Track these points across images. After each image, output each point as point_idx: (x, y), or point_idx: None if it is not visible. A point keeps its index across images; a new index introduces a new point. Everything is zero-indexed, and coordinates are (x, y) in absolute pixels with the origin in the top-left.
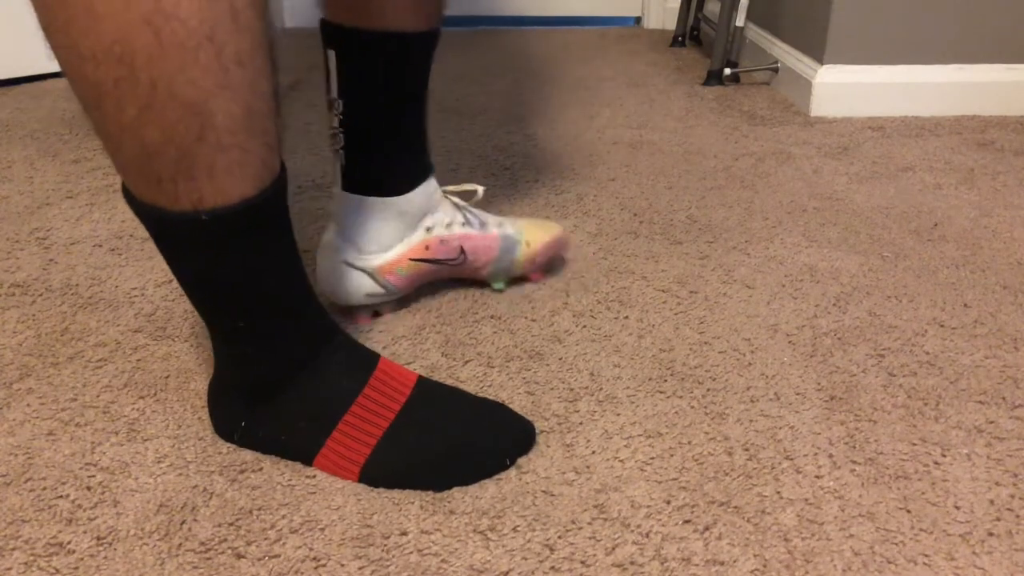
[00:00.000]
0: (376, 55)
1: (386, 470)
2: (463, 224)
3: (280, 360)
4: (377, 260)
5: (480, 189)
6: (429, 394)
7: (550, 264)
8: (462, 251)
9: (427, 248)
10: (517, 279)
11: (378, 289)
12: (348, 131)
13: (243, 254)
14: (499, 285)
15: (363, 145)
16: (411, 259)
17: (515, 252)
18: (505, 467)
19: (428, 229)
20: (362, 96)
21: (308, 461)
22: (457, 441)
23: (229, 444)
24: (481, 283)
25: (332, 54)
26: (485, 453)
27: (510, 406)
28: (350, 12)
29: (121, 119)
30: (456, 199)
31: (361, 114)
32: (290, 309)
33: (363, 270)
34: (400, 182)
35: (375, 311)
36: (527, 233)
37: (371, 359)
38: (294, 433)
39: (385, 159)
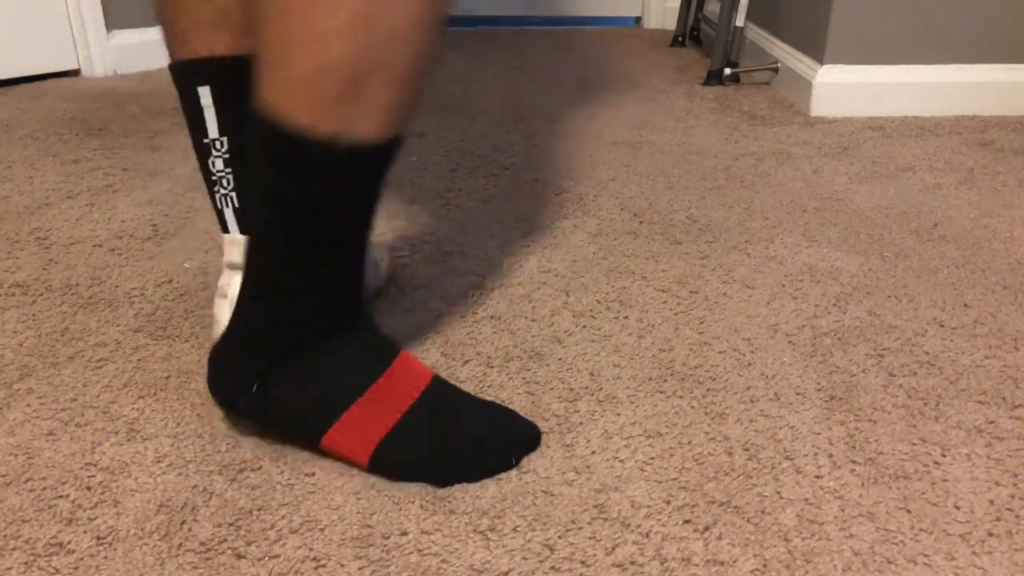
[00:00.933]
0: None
1: (397, 457)
2: None
3: (315, 323)
4: None
5: None
6: (442, 391)
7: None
8: None
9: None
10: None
11: None
12: (237, 170)
13: (353, 193)
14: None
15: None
16: None
17: (380, 268)
18: (511, 466)
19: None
20: (244, 127)
21: (316, 438)
22: (467, 438)
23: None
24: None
25: (205, 91)
26: (492, 452)
27: (510, 406)
28: (227, 39)
29: (325, 25)
30: None
31: (246, 148)
32: (349, 270)
33: None
34: None
35: None
36: (373, 251)
37: (393, 349)
38: (307, 404)
39: None
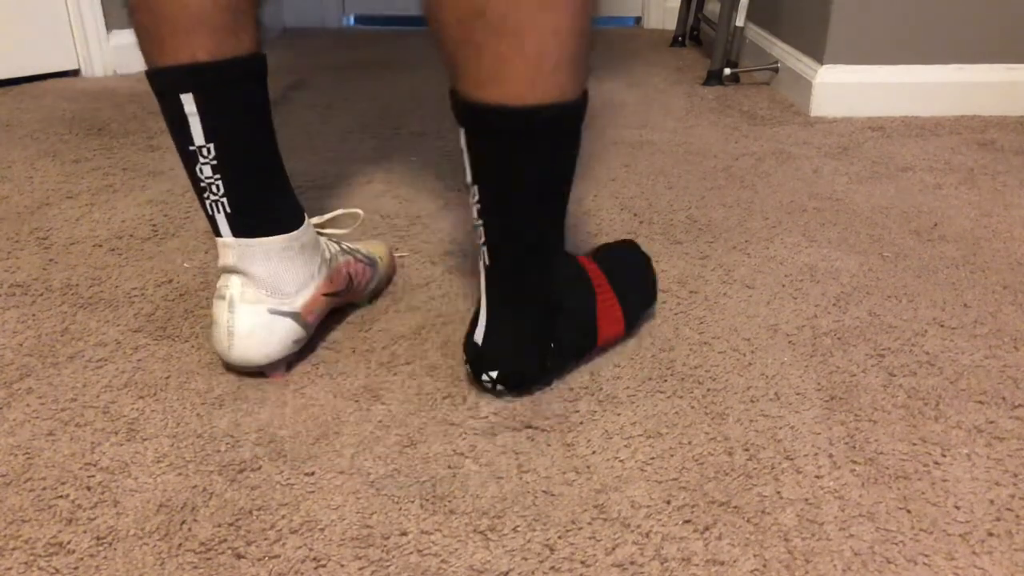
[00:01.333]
0: (241, 85)
1: (634, 312)
2: (342, 252)
3: (559, 268)
4: (300, 300)
5: (361, 212)
6: (605, 258)
7: (392, 277)
8: (349, 278)
9: (331, 281)
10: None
11: (302, 333)
12: (226, 176)
13: (576, 148)
14: (367, 303)
15: (249, 186)
16: (323, 294)
17: (378, 269)
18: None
19: (327, 260)
20: (233, 134)
21: (594, 342)
22: (640, 275)
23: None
24: (352, 305)
25: (188, 98)
26: (651, 282)
27: (509, 406)
28: (207, 45)
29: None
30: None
31: (236, 154)
32: (564, 217)
33: (289, 314)
34: (294, 214)
35: (288, 363)
36: (372, 249)
37: (573, 258)
38: (577, 334)
39: (277, 194)
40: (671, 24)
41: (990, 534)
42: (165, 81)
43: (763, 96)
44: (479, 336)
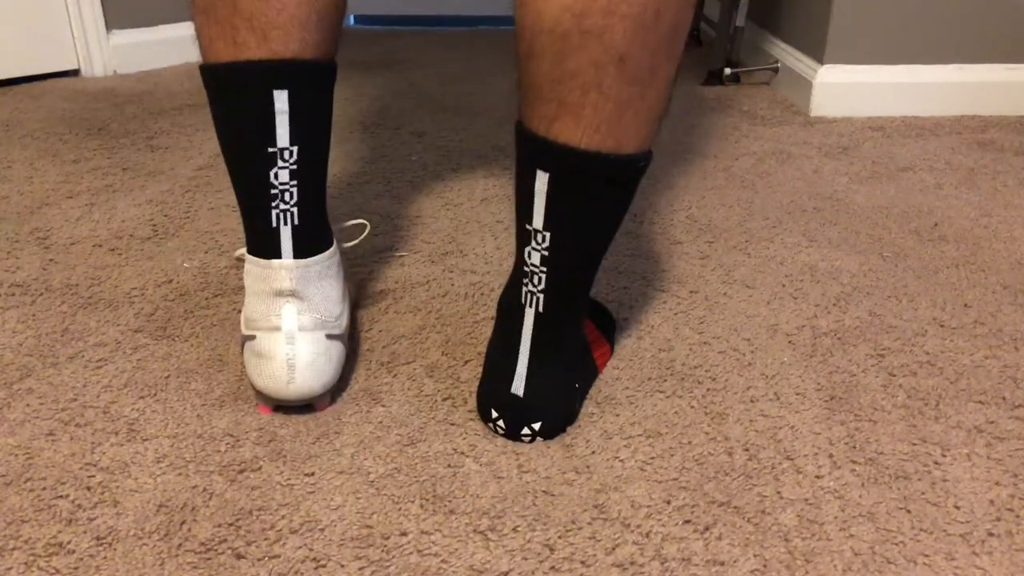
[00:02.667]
0: (328, 88)
1: (611, 337)
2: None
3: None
4: (344, 320)
5: (367, 224)
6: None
7: None
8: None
9: (349, 293)
10: None
11: (345, 355)
12: (302, 183)
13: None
14: None
15: (315, 196)
16: (349, 311)
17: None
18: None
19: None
20: (313, 138)
21: (595, 374)
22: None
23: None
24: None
25: (283, 95)
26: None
27: None
28: (316, 41)
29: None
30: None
31: (312, 160)
32: None
33: (339, 337)
34: (329, 227)
35: (332, 393)
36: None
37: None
38: (587, 366)
39: (323, 205)
40: None
41: (990, 534)
42: (257, 74)
43: (763, 96)
44: (519, 388)
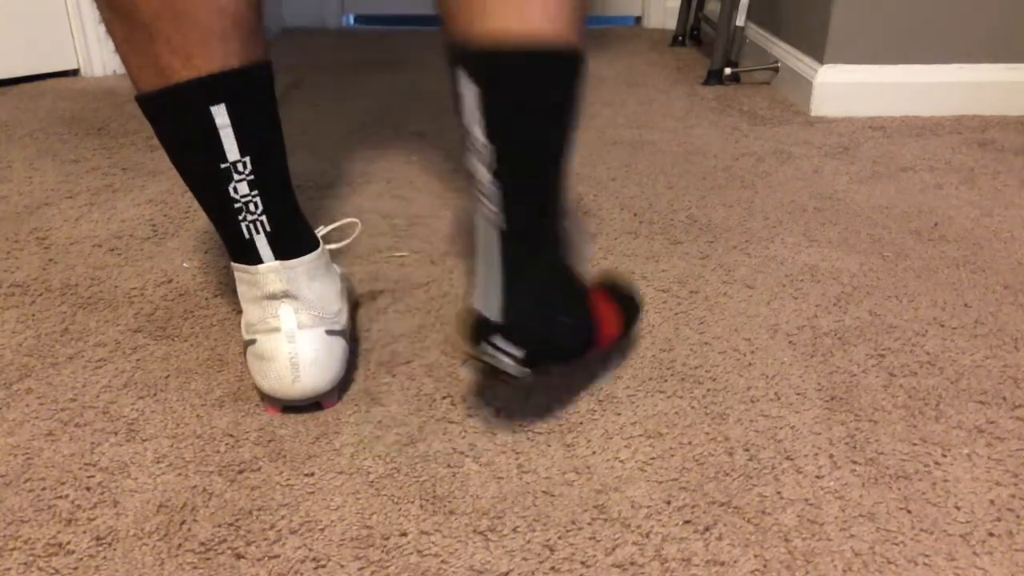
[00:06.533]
0: (267, 92)
1: (630, 315)
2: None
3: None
4: (343, 317)
5: (358, 222)
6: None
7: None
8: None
9: (349, 293)
10: None
11: (348, 351)
12: (264, 191)
13: (579, 100)
14: None
15: (283, 201)
16: (349, 309)
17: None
18: None
19: (340, 275)
20: (264, 145)
21: (592, 332)
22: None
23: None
24: None
25: (220, 109)
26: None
27: (509, 406)
28: (238, 50)
29: None
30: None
31: (269, 166)
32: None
33: (340, 333)
34: (311, 230)
35: (339, 391)
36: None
37: None
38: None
39: (298, 209)
40: (671, 24)
41: (991, 534)
42: (192, 95)
43: (763, 96)
44: (495, 313)
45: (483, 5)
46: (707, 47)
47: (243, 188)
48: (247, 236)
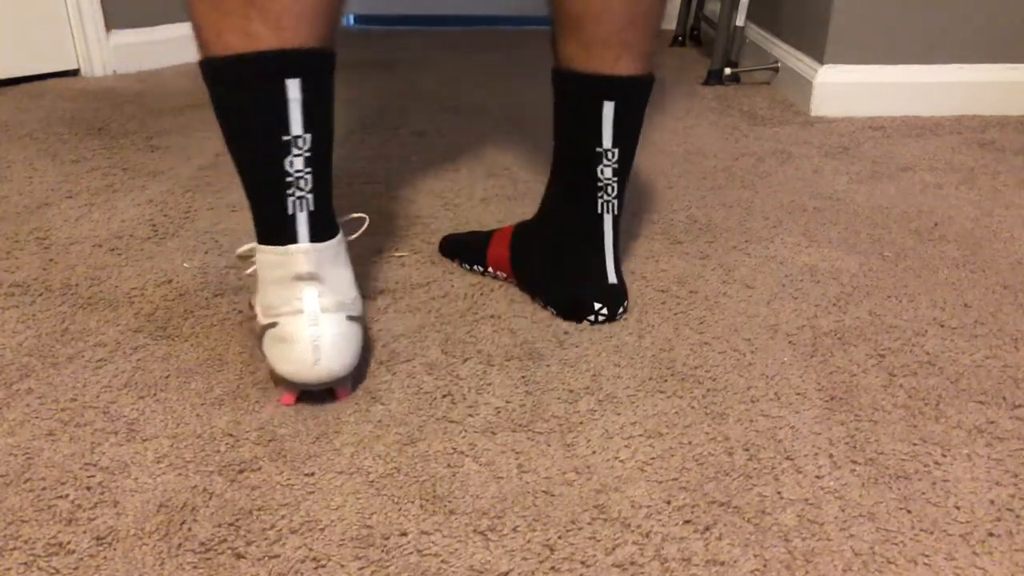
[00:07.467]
0: (332, 75)
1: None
2: None
3: None
4: (360, 304)
5: (366, 217)
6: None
7: None
8: None
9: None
10: None
11: (363, 338)
12: (315, 170)
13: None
14: None
15: (328, 182)
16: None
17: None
18: None
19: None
20: (324, 125)
21: None
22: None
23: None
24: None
25: (295, 83)
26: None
27: (509, 405)
28: (321, 33)
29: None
30: None
31: (324, 147)
32: None
33: (359, 319)
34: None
35: (353, 379)
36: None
37: None
38: None
39: (331, 192)
40: (671, 24)
41: (990, 534)
42: (273, 65)
43: (763, 96)
44: (613, 278)
45: (617, 56)
46: (707, 47)
47: (298, 163)
48: (290, 212)
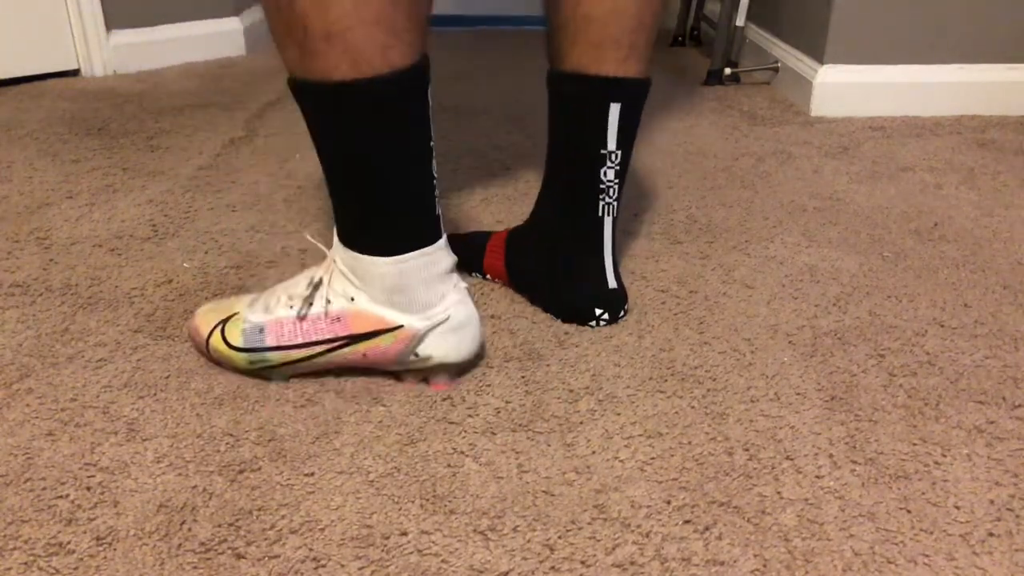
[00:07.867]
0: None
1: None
2: None
3: None
4: None
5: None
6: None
7: None
8: None
9: None
10: None
11: None
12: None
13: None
14: None
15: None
16: None
17: None
18: None
19: None
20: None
21: None
22: None
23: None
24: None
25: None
26: None
27: (509, 406)
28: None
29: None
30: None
31: (431, 147)
32: None
33: None
34: None
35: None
36: None
37: None
38: None
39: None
40: (671, 24)
41: (990, 534)
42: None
43: (763, 96)
44: (613, 282)
45: (625, 57)
46: (707, 47)
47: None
48: (437, 212)
